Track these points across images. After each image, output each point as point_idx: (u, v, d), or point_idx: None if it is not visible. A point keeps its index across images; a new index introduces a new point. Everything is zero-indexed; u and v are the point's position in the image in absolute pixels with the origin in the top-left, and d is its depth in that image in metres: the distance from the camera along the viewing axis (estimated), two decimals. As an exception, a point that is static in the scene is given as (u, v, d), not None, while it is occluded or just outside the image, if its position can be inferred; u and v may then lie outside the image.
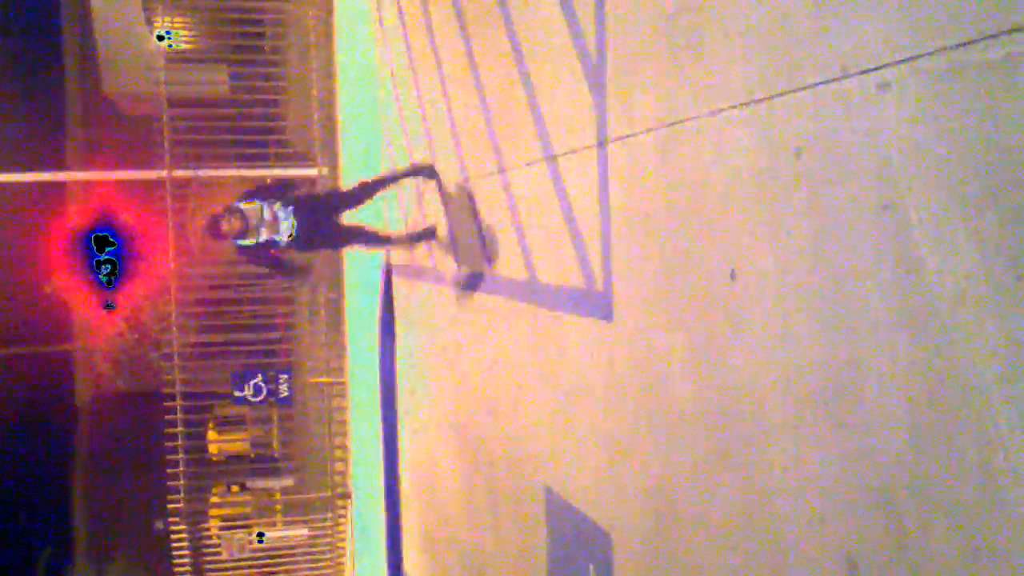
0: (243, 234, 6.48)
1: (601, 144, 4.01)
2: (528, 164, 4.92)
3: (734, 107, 3.01)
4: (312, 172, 11.22)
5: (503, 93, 5.27)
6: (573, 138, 4.32)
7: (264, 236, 6.51)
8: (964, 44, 2.08)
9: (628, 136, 3.76)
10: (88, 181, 16.24)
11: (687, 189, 3.33)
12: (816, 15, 2.58)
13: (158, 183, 10.99)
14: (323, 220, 6.77)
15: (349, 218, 7.15)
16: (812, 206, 2.63)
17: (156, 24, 12.02)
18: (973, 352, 2.09)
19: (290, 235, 6.54)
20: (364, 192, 7.16)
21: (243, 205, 6.53)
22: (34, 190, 15.88)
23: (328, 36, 11.43)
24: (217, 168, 11.52)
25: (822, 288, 2.60)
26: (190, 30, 13.44)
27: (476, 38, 5.82)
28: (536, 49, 4.77)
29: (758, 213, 2.90)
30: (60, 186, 17.33)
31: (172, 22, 11.96)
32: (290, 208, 6.54)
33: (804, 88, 2.64)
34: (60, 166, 18.09)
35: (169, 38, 11.34)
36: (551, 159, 4.59)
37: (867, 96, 2.39)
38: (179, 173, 10.87)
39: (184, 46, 13.24)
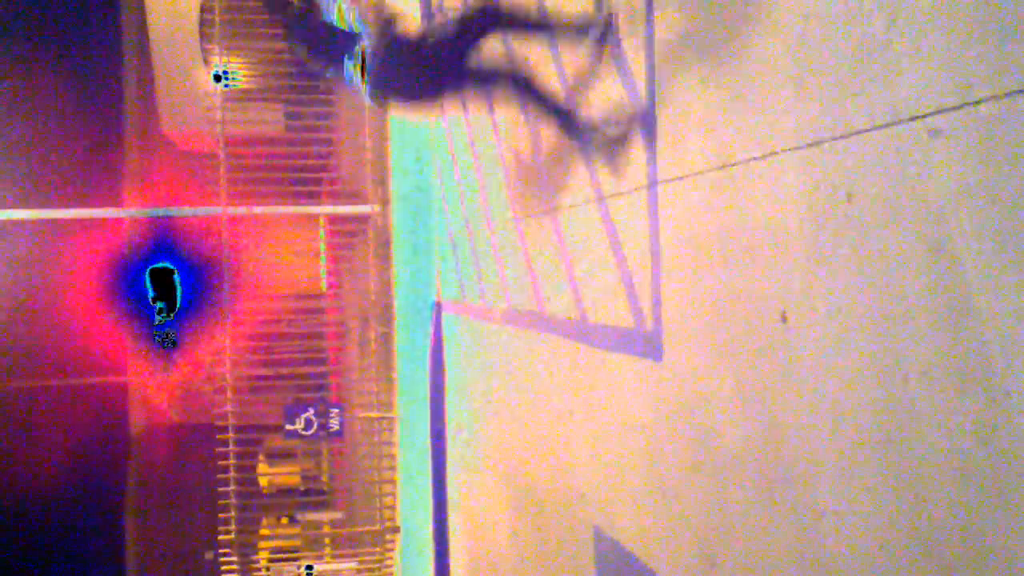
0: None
1: (651, 185, 4.04)
2: (576, 205, 4.96)
3: (785, 150, 3.03)
4: (365, 209, 11.38)
5: (553, 134, 5.33)
6: (623, 179, 4.35)
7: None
8: (1015, 92, 2.09)
9: (678, 178, 3.79)
10: (145, 218, 16.59)
11: (737, 231, 3.35)
12: (866, 60, 2.60)
13: (214, 219, 11.22)
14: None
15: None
16: (863, 249, 2.64)
17: (213, 64, 12.30)
18: (1027, 400, 2.08)
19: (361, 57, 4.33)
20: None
21: None
22: (92, 226, 16.23)
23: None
24: (272, 205, 11.74)
25: (873, 332, 2.60)
26: (246, 70, 13.74)
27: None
28: (586, 90, 4.82)
29: (809, 256, 2.91)
30: (117, 223, 17.70)
31: (229, 62, 12.23)
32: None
33: (854, 133, 2.66)
34: (117, 203, 18.50)
35: (226, 78, 11.60)
36: (600, 200, 4.63)
37: (918, 142, 2.40)
38: (235, 210, 11.08)
39: (241, 85, 13.54)
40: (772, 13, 3.08)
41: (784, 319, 3.06)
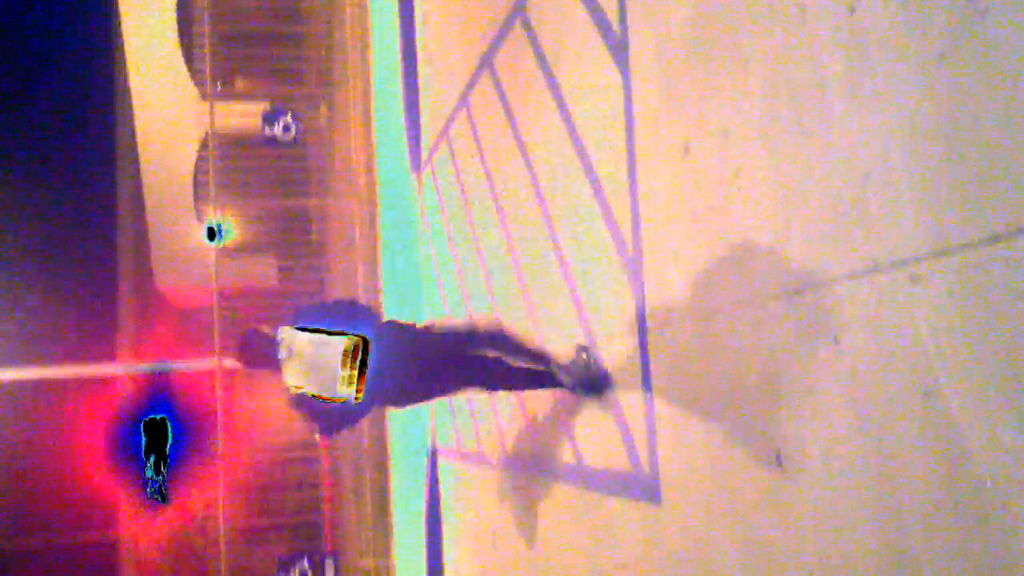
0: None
1: (642, 331, 4.10)
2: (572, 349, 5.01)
3: (770, 296, 3.10)
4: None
5: (543, 285, 5.42)
6: (613, 325, 4.42)
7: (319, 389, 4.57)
8: (989, 240, 2.17)
9: (667, 322, 3.86)
10: (138, 374, 16.60)
11: (729, 374, 3.39)
12: (843, 210, 2.70)
13: (208, 373, 11.26)
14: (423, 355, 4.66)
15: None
16: (854, 393, 2.68)
17: (206, 220, 12.54)
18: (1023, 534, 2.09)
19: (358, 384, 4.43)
20: (480, 341, 4.91)
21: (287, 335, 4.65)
22: (86, 382, 16.21)
23: (372, 225, 11.86)
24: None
25: (869, 477, 2.61)
26: (239, 225, 13.99)
27: (514, 226, 6.02)
28: (575, 239, 4.94)
29: (800, 398, 2.95)
30: (110, 380, 17.69)
31: (222, 218, 12.46)
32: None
33: (837, 280, 2.73)
34: (111, 358, 18.53)
35: (218, 235, 11.80)
36: (593, 346, 4.68)
37: (900, 288, 2.48)
38: (228, 363, 11.12)
39: (233, 240, 13.77)
40: (754, 172, 3.21)
41: (779, 460, 3.07)
